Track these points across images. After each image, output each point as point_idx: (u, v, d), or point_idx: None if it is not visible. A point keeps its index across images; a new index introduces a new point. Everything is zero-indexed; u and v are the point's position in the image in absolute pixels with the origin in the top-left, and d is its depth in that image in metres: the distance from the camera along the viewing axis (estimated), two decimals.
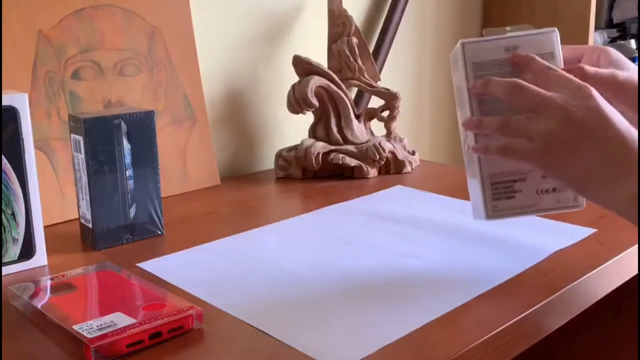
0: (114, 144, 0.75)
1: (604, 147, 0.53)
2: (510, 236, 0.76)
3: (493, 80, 0.60)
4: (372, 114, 1.14)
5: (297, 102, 1.03)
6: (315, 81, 1.03)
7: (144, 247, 0.77)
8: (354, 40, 1.09)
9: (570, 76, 0.57)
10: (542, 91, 0.56)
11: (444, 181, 1.04)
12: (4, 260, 0.68)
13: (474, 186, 0.65)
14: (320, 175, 1.08)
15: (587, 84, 0.55)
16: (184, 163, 1.00)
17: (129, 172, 0.77)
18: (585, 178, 0.55)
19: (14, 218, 0.69)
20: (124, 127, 0.76)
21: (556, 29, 0.63)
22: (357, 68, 1.09)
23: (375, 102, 1.17)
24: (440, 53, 1.51)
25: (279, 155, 1.10)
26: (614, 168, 0.52)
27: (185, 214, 0.89)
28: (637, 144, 0.52)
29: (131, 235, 0.78)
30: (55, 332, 0.55)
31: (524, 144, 0.57)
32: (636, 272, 0.73)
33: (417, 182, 1.04)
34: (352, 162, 1.06)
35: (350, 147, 1.07)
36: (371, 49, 1.27)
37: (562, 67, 0.61)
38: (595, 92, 0.55)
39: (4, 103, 0.66)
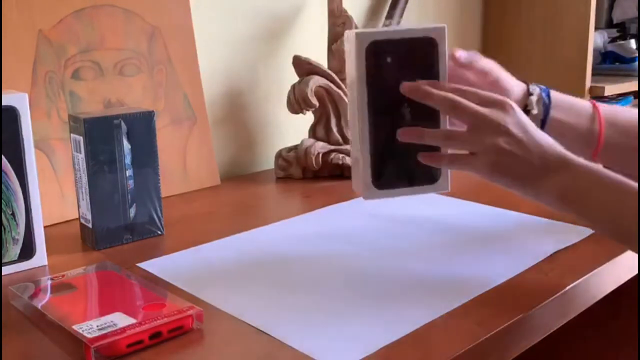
0: (114, 144, 0.75)
1: (529, 154, 0.61)
2: (511, 236, 0.76)
3: (432, 93, 0.63)
4: None
5: (297, 102, 1.03)
6: (315, 81, 1.03)
7: (144, 247, 0.77)
8: None
9: (487, 92, 0.64)
10: (479, 108, 0.62)
11: None
12: (4, 260, 0.68)
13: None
14: (320, 175, 1.08)
15: (505, 99, 0.63)
16: (184, 163, 1.00)
17: (129, 172, 0.77)
18: (522, 180, 0.62)
19: (14, 218, 0.69)
20: (124, 127, 0.76)
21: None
22: None
23: None
24: None
25: (279, 155, 1.10)
26: (541, 169, 0.61)
27: (185, 214, 0.89)
28: (551, 146, 0.62)
29: (131, 235, 0.78)
30: (55, 332, 0.55)
31: (471, 159, 0.63)
32: (635, 272, 0.73)
33: None
34: None
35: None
36: None
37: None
38: (513, 106, 0.63)
39: (4, 103, 0.66)
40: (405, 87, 0.64)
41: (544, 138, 0.63)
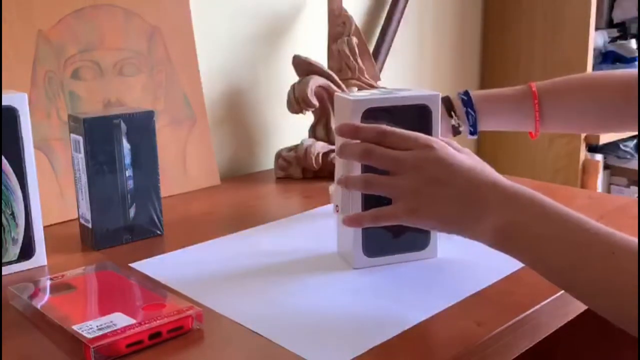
0: (114, 144, 0.75)
1: (455, 192, 0.57)
2: None
3: (348, 146, 0.62)
4: None
5: (297, 102, 1.03)
6: (315, 81, 1.03)
7: (143, 248, 0.77)
8: (354, 40, 1.09)
9: (412, 133, 0.60)
10: (392, 152, 0.59)
11: None
12: (4, 260, 0.68)
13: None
14: (320, 175, 1.08)
15: (428, 137, 0.60)
16: (184, 163, 1.00)
17: (128, 172, 0.77)
18: (451, 222, 0.58)
19: (14, 218, 0.69)
20: (123, 127, 0.76)
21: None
22: (357, 68, 1.09)
23: None
24: (440, 53, 1.51)
25: (279, 155, 1.10)
26: (470, 209, 0.56)
27: (185, 214, 0.89)
28: (482, 181, 0.56)
29: (131, 236, 0.78)
30: (54, 332, 0.55)
31: (390, 208, 0.60)
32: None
33: None
34: None
35: None
36: (371, 49, 1.27)
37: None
38: (436, 144, 0.59)
39: (4, 103, 0.66)
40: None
41: (478, 173, 0.57)
